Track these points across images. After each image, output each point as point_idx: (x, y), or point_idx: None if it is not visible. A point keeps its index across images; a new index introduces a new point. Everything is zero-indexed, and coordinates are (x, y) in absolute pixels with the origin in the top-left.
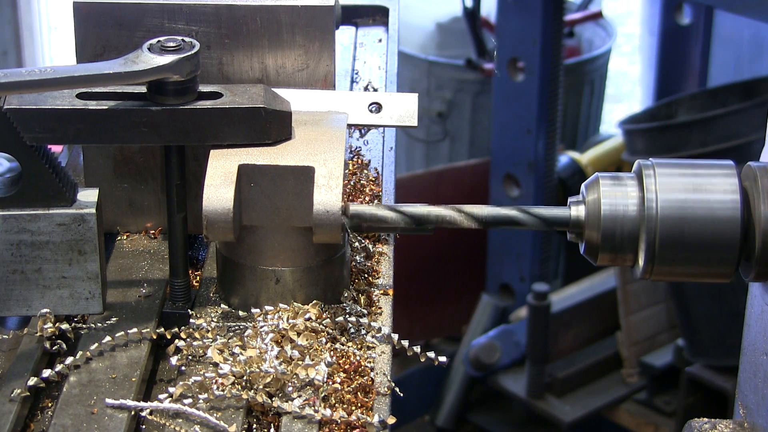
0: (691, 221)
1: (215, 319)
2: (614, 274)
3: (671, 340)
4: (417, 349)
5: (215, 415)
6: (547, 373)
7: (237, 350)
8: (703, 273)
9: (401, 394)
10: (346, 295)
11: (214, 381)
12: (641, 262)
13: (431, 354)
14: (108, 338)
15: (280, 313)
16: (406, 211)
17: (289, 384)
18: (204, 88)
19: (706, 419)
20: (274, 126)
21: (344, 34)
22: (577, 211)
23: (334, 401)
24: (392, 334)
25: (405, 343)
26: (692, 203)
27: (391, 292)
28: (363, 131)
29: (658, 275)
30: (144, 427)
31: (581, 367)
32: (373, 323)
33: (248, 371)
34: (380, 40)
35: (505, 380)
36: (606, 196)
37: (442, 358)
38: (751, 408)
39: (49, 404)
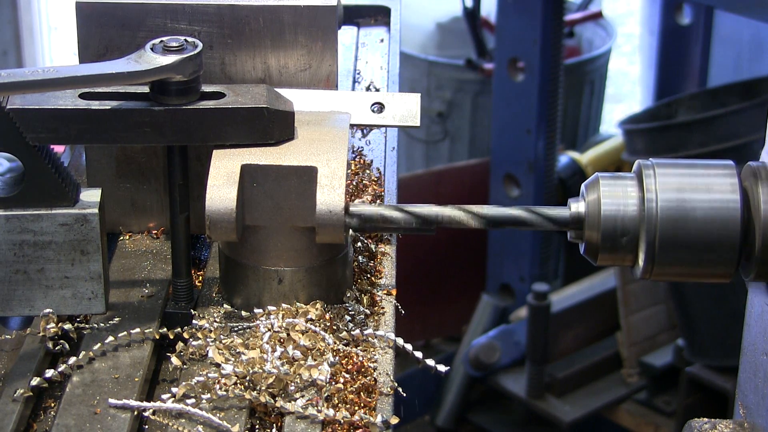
0: (691, 221)
1: (218, 319)
2: (614, 274)
3: (671, 340)
4: (419, 354)
5: (218, 415)
6: (547, 373)
7: (240, 350)
8: (703, 273)
9: (404, 394)
10: (348, 295)
11: (216, 381)
12: (641, 262)
13: (430, 362)
14: (111, 338)
15: (283, 313)
16: (414, 211)
17: (292, 384)
18: (207, 88)
19: (706, 419)
20: (277, 126)
21: (346, 34)
22: (577, 209)
23: (337, 401)
24: (398, 339)
25: (408, 346)
26: (692, 203)
27: (394, 292)
28: (365, 131)
29: (658, 275)
30: (147, 427)
31: (581, 367)
32: (377, 311)
33: (251, 371)
34: (382, 40)
35: (505, 380)
36: (606, 196)
37: (442, 367)
38: (751, 408)
39: (52, 404)
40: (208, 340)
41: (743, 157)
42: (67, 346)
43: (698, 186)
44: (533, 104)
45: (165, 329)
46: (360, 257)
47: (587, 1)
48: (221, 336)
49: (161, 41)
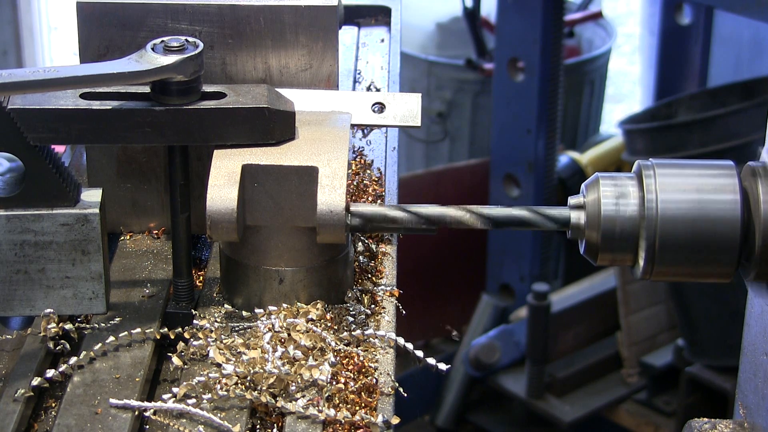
0: (691, 221)
1: (219, 319)
2: (614, 274)
3: (671, 340)
4: (420, 353)
5: (219, 415)
6: (547, 373)
7: (241, 350)
8: (703, 273)
9: (405, 394)
10: (349, 295)
11: (217, 381)
12: (641, 262)
13: (431, 360)
14: (111, 338)
15: (284, 313)
16: (420, 212)
17: (293, 384)
18: (207, 88)
19: (706, 419)
20: (278, 126)
21: (347, 34)
22: (576, 212)
23: (338, 401)
24: (398, 338)
25: (409, 345)
26: (692, 203)
27: (396, 293)
28: (366, 131)
29: (658, 275)
30: (148, 427)
31: (581, 367)
32: (378, 311)
33: (252, 371)
34: (382, 40)
35: (505, 380)
36: (606, 197)
37: (443, 366)
38: (751, 408)
39: (53, 404)
40: (209, 340)
41: (743, 157)
42: (68, 346)
43: (698, 186)
44: (533, 104)
45: (166, 329)
46: (361, 257)
47: (587, 1)
48: (222, 336)
49: (162, 41)
